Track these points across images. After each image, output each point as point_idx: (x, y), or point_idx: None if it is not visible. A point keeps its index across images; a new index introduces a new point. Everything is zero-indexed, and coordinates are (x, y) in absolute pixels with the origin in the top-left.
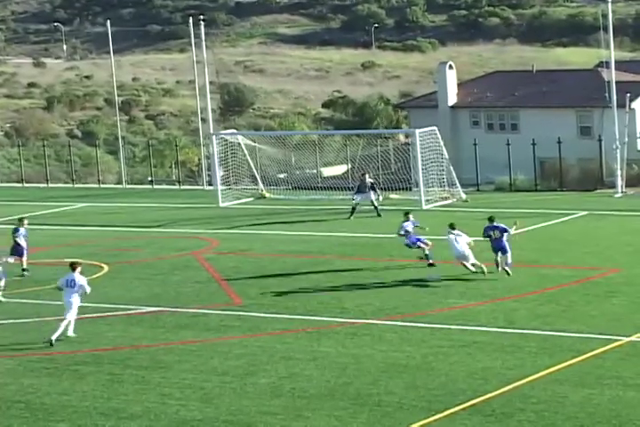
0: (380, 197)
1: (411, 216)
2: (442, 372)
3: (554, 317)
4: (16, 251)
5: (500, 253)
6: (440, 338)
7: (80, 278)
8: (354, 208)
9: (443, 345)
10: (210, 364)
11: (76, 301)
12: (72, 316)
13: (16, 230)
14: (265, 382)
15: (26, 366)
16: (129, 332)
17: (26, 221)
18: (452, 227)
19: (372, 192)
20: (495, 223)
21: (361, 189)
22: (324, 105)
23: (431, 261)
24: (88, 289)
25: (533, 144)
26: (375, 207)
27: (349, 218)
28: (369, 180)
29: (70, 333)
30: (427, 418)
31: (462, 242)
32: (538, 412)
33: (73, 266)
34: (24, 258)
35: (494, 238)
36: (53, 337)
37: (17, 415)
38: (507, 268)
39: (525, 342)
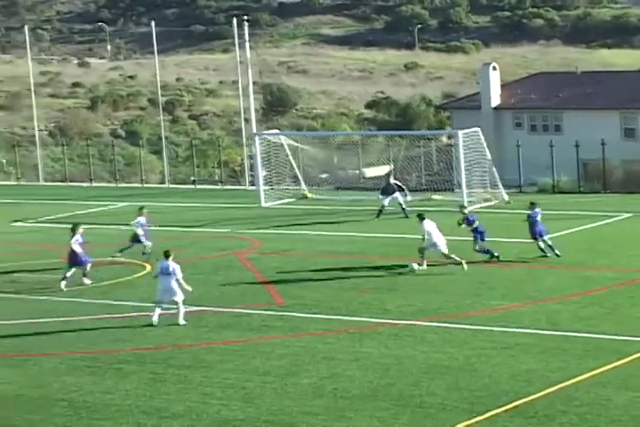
0: (408, 197)
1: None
2: (484, 373)
3: (598, 319)
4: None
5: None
6: (482, 339)
7: (174, 265)
8: (380, 210)
9: (485, 347)
10: (252, 364)
11: (175, 285)
12: (180, 298)
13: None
14: (307, 383)
15: (69, 364)
16: (172, 331)
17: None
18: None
19: (398, 193)
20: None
21: (387, 190)
22: (367, 106)
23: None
24: (180, 275)
25: (577, 146)
26: (403, 209)
27: (376, 218)
28: (393, 181)
29: (181, 321)
30: (469, 420)
31: (435, 232)
32: (581, 415)
33: (167, 253)
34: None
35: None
36: (181, 322)
37: (60, 414)
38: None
39: (569, 345)
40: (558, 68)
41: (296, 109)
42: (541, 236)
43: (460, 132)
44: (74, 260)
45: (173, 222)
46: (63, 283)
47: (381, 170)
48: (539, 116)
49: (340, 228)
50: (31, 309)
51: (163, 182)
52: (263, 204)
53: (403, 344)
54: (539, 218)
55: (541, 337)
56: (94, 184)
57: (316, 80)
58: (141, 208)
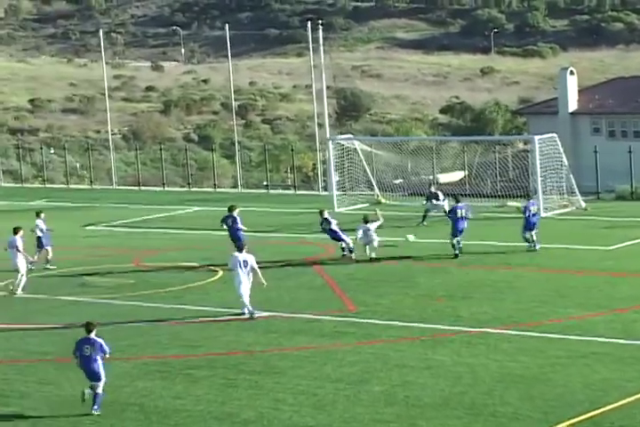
0: (446, 207)
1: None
2: (559, 383)
3: None
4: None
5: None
6: (557, 348)
7: (250, 258)
8: (425, 215)
9: (560, 356)
10: (323, 370)
11: (245, 279)
12: (246, 291)
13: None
14: (378, 390)
15: (140, 368)
16: (243, 337)
17: (42, 215)
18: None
19: (445, 201)
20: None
21: (430, 197)
22: (442, 111)
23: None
24: (256, 266)
25: None
26: (424, 215)
27: (420, 224)
28: (434, 190)
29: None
30: None
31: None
32: None
33: (240, 247)
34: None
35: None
36: (246, 311)
37: (131, 418)
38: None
39: None
40: (637, 72)
41: (369, 114)
42: (531, 229)
43: (537, 138)
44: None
45: (246, 227)
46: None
47: (456, 176)
48: (617, 122)
49: (414, 234)
50: (102, 312)
51: (235, 187)
52: (336, 209)
53: (476, 352)
54: (533, 209)
55: (617, 346)
56: (167, 189)
57: (390, 84)
58: (39, 212)
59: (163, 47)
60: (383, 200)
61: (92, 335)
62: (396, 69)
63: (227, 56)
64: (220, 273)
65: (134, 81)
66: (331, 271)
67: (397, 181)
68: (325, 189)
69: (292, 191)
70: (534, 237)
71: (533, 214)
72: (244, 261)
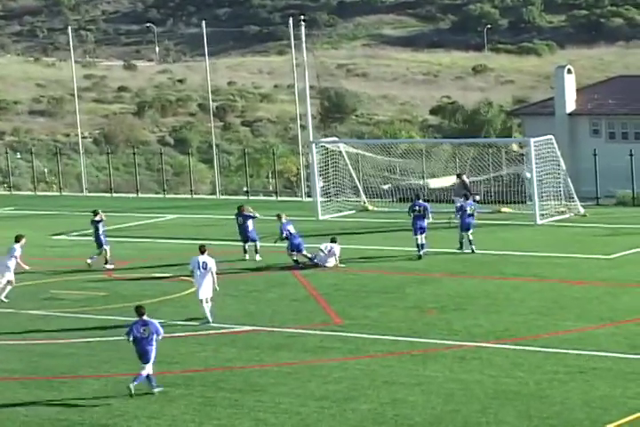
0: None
1: (283, 216)
2: (557, 400)
3: None
4: None
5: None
6: (555, 363)
7: (209, 260)
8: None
9: (558, 371)
10: (307, 387)
11: (207, 281)
12: (208, 294)
13: None
14: (366, 409)
15: (113, 386)
16: (221, 352)
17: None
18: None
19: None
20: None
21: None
22: (432, 111)
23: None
24: (214, 269)
25: None
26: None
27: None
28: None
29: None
30: None
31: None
32: None
33: (202, 249)
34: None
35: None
36: (209, 315)
37: None
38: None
39: None
40: (638, 71)
41: (356, 115)
42: (468, 229)
43: (533, 140)
44: None
45: (224, 236)
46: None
47: (447, 180)
48: (617, 123)
49: (402, 242)
50: (72, 327)
51: (213, 193)
52: (320, 216)
53: (469, 368)
54: (469, 210)
55: (618, 361)
56: (141, 195)
57: (377, 84)
58: (95, 211)
59: (136, 45)
60: (370, 207)
61: (146, 318)
62: (383, 68)
63: (204, 54)
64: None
65: (106, 81)
66: (315, 282)
67: (385, 187)
68: (309, 195)
69: (273, 198)
70: (470, 239)
71: (469, 215)
72: (203, 262)
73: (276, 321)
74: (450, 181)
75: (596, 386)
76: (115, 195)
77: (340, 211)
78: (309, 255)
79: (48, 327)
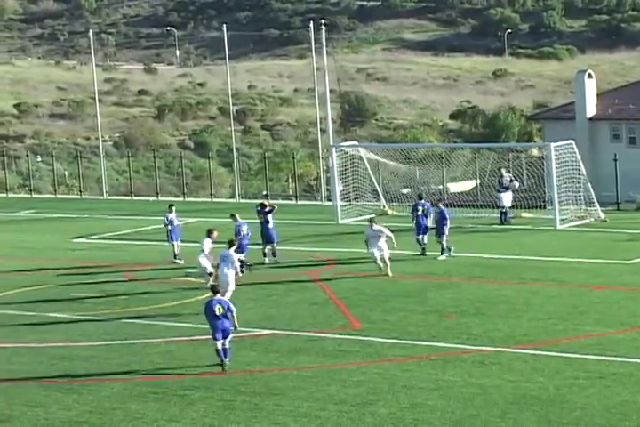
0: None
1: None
2: (577, 405)
3: None
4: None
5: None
6: (575, 369)
7: (234, 255)
8: (503, 212)
9: (578, 376)
10: (326, 391)
11: (231, 273)
12: (232, 287)
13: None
14: (385, 413)
15: (133, 390)
16: (241, 356)
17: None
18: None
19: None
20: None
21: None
22: (452, 116)
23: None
24: (237, 264)
25: None
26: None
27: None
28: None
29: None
30: None
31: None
32: None
33: (230, 243)
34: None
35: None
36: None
37: None
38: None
39: None
40: None
41: (375, 120)
42: (423, 233)
43: (553, 145)
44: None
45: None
46: None
47: (467, 185)
48: (638, 128)
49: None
50: (92, 330)
51: (233, 197)
52: (340, 220)
53: (488, 373)
54: (421, 210)
55: (639, 366)
56: (161, 198)
57: (397, 88)
58: (171, 205)
59: (156, 49)
60: (390, 211)
61: (220, 296)
62: (403, 72)
63: (224, 58)
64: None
65: (126, 84)
66: (334, 286)
67: (405, 191)
68: (329, 199)
69: (293, 202)
70: (424, 241)
71: (424, 216)
72: (228, 256)
73: (295, 325)
74: (470, 185)
75: (616, 392)
76: (135, 198)
77: (360, 215)
78: (247, 261)
79: (68, 330)
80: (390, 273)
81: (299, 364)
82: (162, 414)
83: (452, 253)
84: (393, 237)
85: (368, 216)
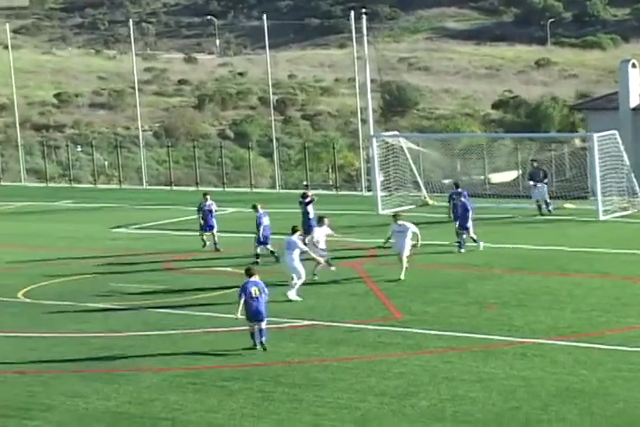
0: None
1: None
2: (620, 398)
3: None
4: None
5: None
6: (618, 361)
7: (298, 241)
8: (539, 205)
9: (621, 369)
10: (367, 383)
11: (296, 260)
12: (302, 275)
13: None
14: (426, 405)
15: (172, 381)
16: (280, 347)
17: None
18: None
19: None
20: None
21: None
22: (494, 106)
23: None
24: (303, 248)
25: None
26: (539, 206)
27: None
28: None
29: (293, 296)
30: None
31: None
32: None
33: (294, 229)
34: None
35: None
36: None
37: None
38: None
39: None
40: None
41: (417, 110)
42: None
43: (596, 135)
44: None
45: (284, 230)
46: None
47: (509, 175)
48: None
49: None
50: (130, 320)
51: (273, 187)
52: (380, 211)
53: (531, 365)
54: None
55: None
56: (200, 188)
57: (439, 78)
58: (205, 194)
59: (196, 38)
60: (430, 202)
61: (255, 279)
62: (445, 61)
63: (264, 47)
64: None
65: (166, 74)
66: (375, 277)
67: (446, 182)
68: (369, 189)
69: (333, 192)
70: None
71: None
72: (293, 242)
73: (335, 316)
74: (511, 176)
75: None
76: (174, 188)
77: (401, 205)
78: (272, 249)
79: (107, 320)
80: (402, 277)
81: (339, 355)
82: (201, 406)
83: (462, 251)
84: (419, 234)
85: (408, 207)
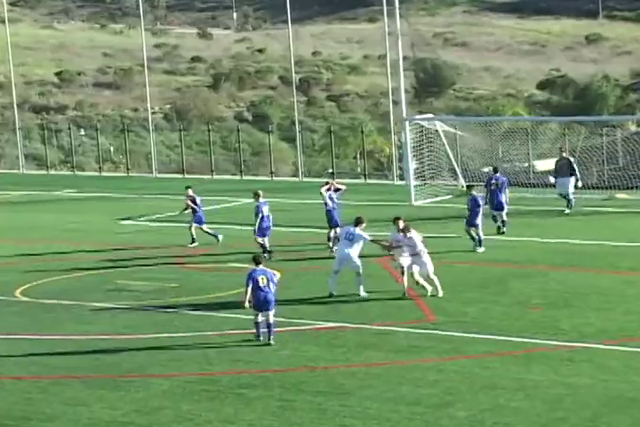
0: (579, 183)
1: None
2: None
3: None
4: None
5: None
6: None
7: (362, 233)
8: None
9: None
10: (398, 391)
11: (353, 252)
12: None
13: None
14: (464, 415)
15: (184, 387)
16: (303, 351)
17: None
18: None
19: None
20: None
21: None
22: (539, 86)
23: None
24: (368, 238)
25: None
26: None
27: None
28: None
29: (362, 292)
30: None
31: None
32: None
33: (358, 220)
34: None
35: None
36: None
37: None
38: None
39: None
40: None
41: (454, 90)
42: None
43: None
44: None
45: (307, 222)
46: None
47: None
48: None
49: (506, 231)
50: (139, 321)
51: (295, 175)
52: (414, 202)
53: (578, 371)
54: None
55: None
56: (216, 177)
57: (478, 55)
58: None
59: (211, 11)
60: None
61: (262, 267)
62: (485, 37)
63: (286, 21)
64: (278, 276)
65: (178, 51)
66: (407, 275)
67: (486, 170)
68: (401, 178)
69: (362, 180)
70: (503, 218)
71: (498, 191)
72: (350, 233)
73: (363, 317)
74: None
75: None
76: (187, 176)
77: (436, 195)
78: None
79: (113, 321)
80: (440, 293)
81: (367, 360)
82: (215, 415)
83: (479, 249)
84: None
85: (446, 197)
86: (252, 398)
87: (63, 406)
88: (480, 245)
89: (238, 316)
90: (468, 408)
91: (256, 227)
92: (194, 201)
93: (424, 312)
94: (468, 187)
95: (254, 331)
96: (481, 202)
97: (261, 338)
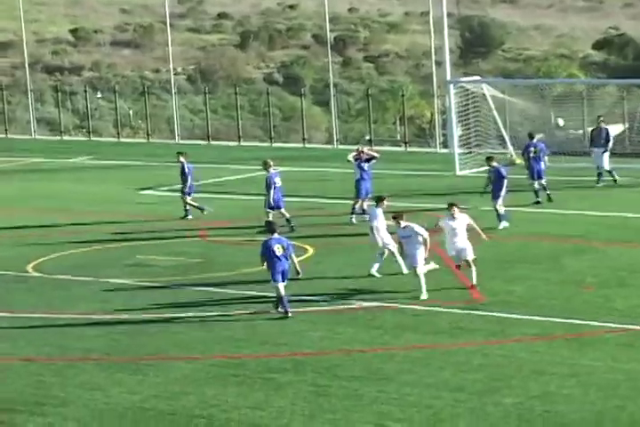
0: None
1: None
2: None
3: None
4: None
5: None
6: None
7: (380, 214)
8: (599, 173)
9: None
10: (440, 376)
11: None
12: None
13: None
14: (510, 402)
15: (208, 371)
16: (338, 332)
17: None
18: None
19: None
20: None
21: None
22: (596, 46)
23: None
24: (425, 235)
25: None
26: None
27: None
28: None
29: (404, 269)
30: None
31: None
32: None
33: (379, 199)
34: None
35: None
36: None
37: None
38: None
39: None
40: None
41: (502, 50)
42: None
43: None
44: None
45: (341, 194)
46: None
47: (613, 129)
48: None
49: (557, 204)
50: (160, 299)
51: (330, 142)
52: (458, 171)
53: (636, 356)
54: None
55: None
56: (243, 143)
57: (529, 12)
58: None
59: None
60: (518, 161)
61: (277, 235)
62: None
63: None
64: (311, 251)
65: (203, 6)
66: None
67: (538, 136)
68: (445, 145)
69: (402, 148)
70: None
71: (537, 158)
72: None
73: (402, 296)
74: (616, 130)
75: None
76: (212, 143)
77: (482, 165)
78: (287, 215)
79: (132, 299)
80: (424, 296)
81: (407, 343)
82: (243, 401)
83: (504, 225)
84: (429, 240)
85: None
86: (283, 384)
87: (78, 390)
88: (501, 220)
89: (267, 294)
90: (516, 395)
91: (270, 199)
92: (182, 169)
93: (469, 291)
94: (487, 158)
95: (281, 309)
96: (505, 175)
97: (290, 314)
